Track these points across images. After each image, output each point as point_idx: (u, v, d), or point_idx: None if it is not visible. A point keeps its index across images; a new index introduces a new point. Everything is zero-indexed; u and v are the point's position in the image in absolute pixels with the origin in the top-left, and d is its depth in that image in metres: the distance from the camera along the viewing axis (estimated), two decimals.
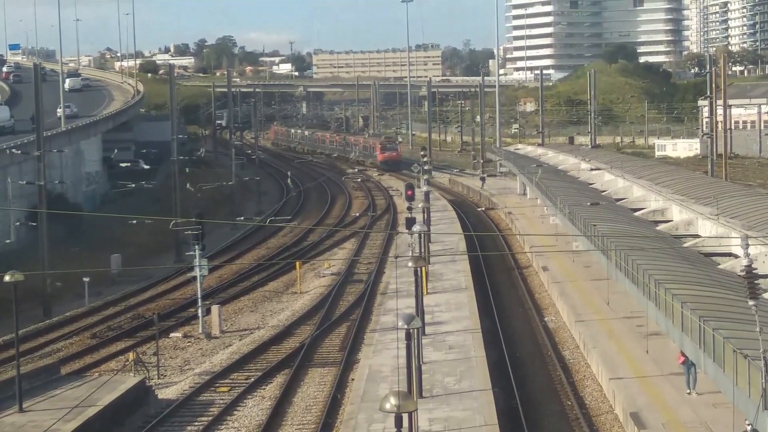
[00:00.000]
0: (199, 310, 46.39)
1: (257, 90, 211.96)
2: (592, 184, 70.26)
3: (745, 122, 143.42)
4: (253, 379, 37.58)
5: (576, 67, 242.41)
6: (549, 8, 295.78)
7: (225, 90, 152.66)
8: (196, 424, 33.02)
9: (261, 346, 42.58)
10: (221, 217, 75.22)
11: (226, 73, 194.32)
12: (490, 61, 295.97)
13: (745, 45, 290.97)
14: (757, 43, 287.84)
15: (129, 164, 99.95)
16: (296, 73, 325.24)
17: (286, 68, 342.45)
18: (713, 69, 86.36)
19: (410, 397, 19.28)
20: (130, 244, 65.90)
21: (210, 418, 33.31)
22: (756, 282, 24.44)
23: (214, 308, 47.25)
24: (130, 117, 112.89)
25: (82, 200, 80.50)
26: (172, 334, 45.83)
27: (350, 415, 30.77)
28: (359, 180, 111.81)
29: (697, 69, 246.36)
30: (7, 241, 58.18)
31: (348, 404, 32.59)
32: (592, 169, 74.43)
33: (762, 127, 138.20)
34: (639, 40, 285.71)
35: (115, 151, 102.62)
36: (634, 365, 34.76)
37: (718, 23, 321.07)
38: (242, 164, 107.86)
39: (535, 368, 38.43)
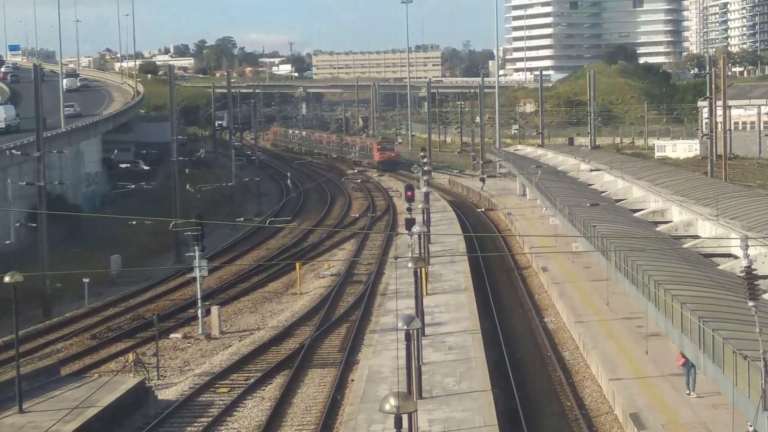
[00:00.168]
0: (199, 311, 46.39)
1: (257, 91, 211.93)
2: (591, 184, 70.28)
3: (744, 123, 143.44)
4: (252, 380, 37.58)
5: (576, 68, 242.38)
6: (549, 9, 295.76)
7: (225, 91, 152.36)
8: (196, 424, 33.01)
9: (261, 347, 42.58)
10: (221, 218, 75.25)
11: (225, 74, 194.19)
12: (490, 62, 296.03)
13: (744, 46, 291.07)
14: (756, 44, 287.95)
15: (129, 165, 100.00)
16: (296, 74, 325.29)
17: (285, 69, 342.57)
18: (713, 70, 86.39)
19: (410, 397, 19.28)
20: (130, 244, 65.90)
21: (210, 418, 33.30)
22: (755, 283, 24.45)
23: (214, 309, 47.26)
24: (129, 118, 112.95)
25: (81, 201, 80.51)
26: (171, 335, 45.83)
27: (350, 415, 30.77)
28: (359, 181, 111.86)
29: (696, 70, 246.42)
30: (7, 241, 58.20)
31: (348, 405, 32.60)
32: (591, 170, 74.46)
33: (761, 128, 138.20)
34: (639, 40, 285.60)
35: (115, 151, 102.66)
36: (633, 366, 34.76)
37: (717, 24, 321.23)
38: (242, 165, 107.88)
39: (534, 369, 38.44)
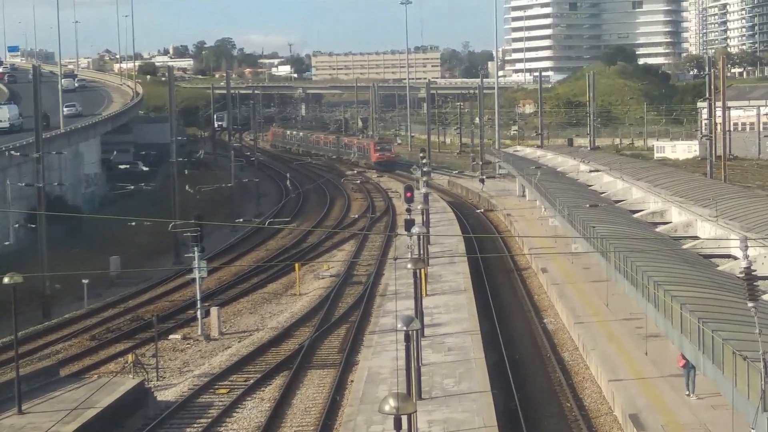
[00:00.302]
0: (198, 312, 46.37)
1: (256, 92, 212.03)
2: (591, 185, 70.28)
3: (744, 124, 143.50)
4: (252, 381, 37.56)
5: (575, 69, 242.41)
6: (548, 10, 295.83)
7: (224, 92, 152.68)
8: (196, 425, 33.00)
9: (260, 348, 42.56)
10: (220, 219, 75.23)
11: (225, 75, 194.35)
12: (489, 63, 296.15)
13: (744, 47, 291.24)
14: (755, 45, 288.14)
15: (128, 166, 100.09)
16: (295, 75, 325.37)
17: (285, 70, 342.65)
18: (712, 71, 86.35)
19: (409, 398, 19.28)
20: (130, 245, 65.88)
21: (209, 419, 33.29)
22: (755, 284, 24.44)
23: (213, 310, 47.23)
24: (129, 119, 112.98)
25: (81, 202, 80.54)
26: (171, 336, 45.81)
27: (349, 416, 30.76)
28: (358, 182, 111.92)
29: (696, 71, 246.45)
30: (6, 242, 58.22)
31: (347, 406, 32.59)
32: (591, 171, 74.46)
33: (761, 129, 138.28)
34: (638, 41, 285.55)
35: (114, 153, 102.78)
36: (633, 367, 34.75)
37: (717, 25, 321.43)
38: (241, 166, 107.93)
39: (534, 370, 38.43)
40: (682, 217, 49.81)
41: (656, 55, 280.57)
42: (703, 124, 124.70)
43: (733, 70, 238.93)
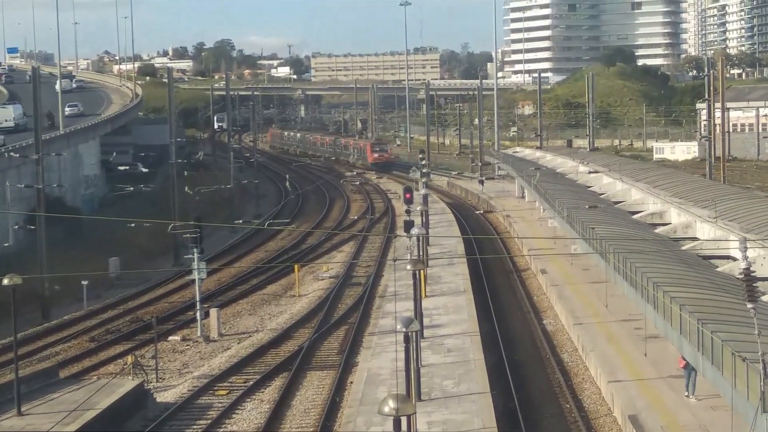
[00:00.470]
0: (198, 314, 46.36)
1: (255, 93, 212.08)
2: (590, 186, 70.29)
3: (743, 125, 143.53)
4: (251, 383, 37.56)
5: (574, 70, 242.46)
6: (547, 11, 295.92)
7: (223, 93, 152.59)
8: (195, 427, 33.01)
9: (259, 350, 42.56)
10: (220, 220, 75.22)
11: (224, 76, 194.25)
12: (489, 64, 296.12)
13: (743, 48, 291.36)
14: (755, 46, 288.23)
15: (127, 167, 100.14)
16: (294, 77, 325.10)
17: (284, 71, 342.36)
18: (711, 72, 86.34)
19: (409, 400, 19.26)
20: (129, 247, 65.89)
21: (208, 421, 33.29)
22: (754, 285, 24.44)
23: (213, 311, 47.23)
24: (128, 120, 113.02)
25: (80, 203, 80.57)
26: (170, 338, 45.81)
27: (349, 418, 30.77)
28: (357, 183, 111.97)
29: (695, 72, 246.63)
30: (6, 244, 58.20)
31: (347, 407, 32.59)
32: (590, 172, 74.47)
33: (760, 130, 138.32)
34: (637, 43, 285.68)
35: (114, 154, 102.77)
36: (632, 368, 34.77)
37: (716, 26, 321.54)
38: (240, 167, 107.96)
39: (533, 371, 38.43)
40: (682, 218, 49.83)
41: (655, 56, 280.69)
42: (702, 125, 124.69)
43: (732, 72, 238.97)
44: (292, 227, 78.22)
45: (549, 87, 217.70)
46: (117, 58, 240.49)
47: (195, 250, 46.65)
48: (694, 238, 45.79)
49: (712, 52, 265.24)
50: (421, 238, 47.37)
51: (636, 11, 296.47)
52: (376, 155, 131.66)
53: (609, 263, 40.55)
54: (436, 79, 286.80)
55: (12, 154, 63.52)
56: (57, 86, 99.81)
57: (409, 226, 56.76)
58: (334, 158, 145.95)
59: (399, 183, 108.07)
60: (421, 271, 38.92)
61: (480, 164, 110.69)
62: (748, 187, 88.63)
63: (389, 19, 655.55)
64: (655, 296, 31.85)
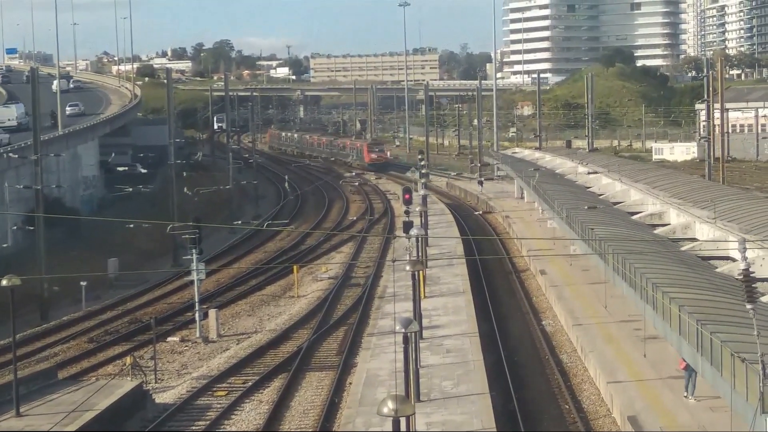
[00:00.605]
0: (197, 314, 46.33)
1: (255, 94, 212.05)
2: (589, 187, 70.30)
3: (742, 126, 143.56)
4: (250, 383, 37.54)
5: (573, 71, 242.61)
6: (546, 12, 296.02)
7: (222, 94, 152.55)
8: (194, 428, 32.98)
9: (258, 350, 42.54)
10: (219, 221, 75.20)
11: (223, 77, 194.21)
12: (488, 65, 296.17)
13: (742, 48, 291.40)
14: (754, 47, 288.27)
15: (126, 168, 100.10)
16: (293, 77, 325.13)
17: (283, 72, 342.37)
18: (710, 72, 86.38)
19: (408, 401, 19.24)
20: (128, 248, 65.87)
21: (207, 422, 33.27)
22: (753, 285, 24.44)
23: (212, 312, 47.20)
24: (127, 121, 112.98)
25: (79, 204, 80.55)
26: (169, 338, 45.78)
27: (348, 419, 30.75)
28: (356, 184, 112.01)
29: (694, 72, 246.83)
30: (4, 245, 58.13)
31: (346, 408, 32.57)
32: (589, 173, 74.48)
33: (759, 131, 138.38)
34: (636, 43, 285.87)
35: (113, 155, 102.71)
36: (631, 369, 34.74)
37: (715, 27, 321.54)
38: (240, 168, 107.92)
39: (532, 372, 38.41)
40: (681, 218, 49.82)
41: (654, 56, 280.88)
42: (702, 126, 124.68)
43: (731, 72, 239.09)
44: (291, 228, 78.21)
45: (548, 88, 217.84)
46: (116, 58, 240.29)
47: (194, 250, 46.63)
48: (694, 239, 45.79)
49: (712, 52, 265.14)
50: (420, 238, 47.38)
51: (635, 12, 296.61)
52: (372, 156, 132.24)
53: (608, 264, 40.54)
54: (435, 79, 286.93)
55: (11, 154, 63.48)
56: (54, 86, 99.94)
57: (408, 226, 56.77)
58: (332, 159, 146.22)
59: (398, 184, 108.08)
60: (420, 272, 38.90)
61: (479, 165, 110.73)
62: (748, 187, 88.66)
63: (388, 19, 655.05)
64: (654, 297, 31.84)
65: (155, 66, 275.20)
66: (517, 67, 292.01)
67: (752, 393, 22.48)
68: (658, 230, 48.71)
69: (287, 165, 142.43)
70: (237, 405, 35.14)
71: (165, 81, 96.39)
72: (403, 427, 18.63)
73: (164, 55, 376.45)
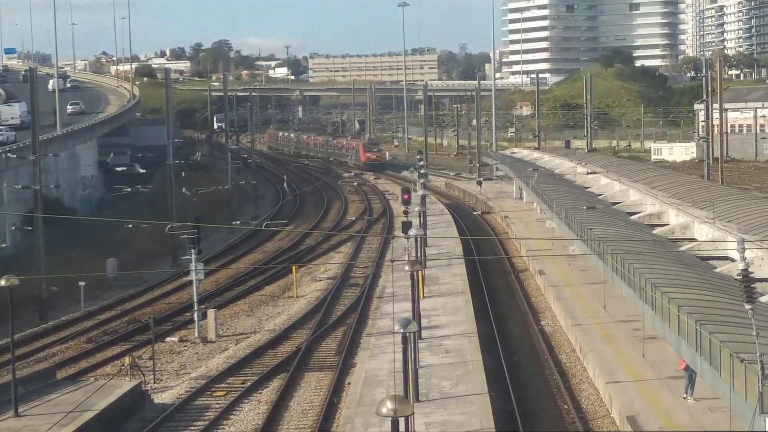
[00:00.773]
0: (195, 314, 46.31)
1: (253, 94, 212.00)
2: (588, 187, 70.30)
3: (741, 126, 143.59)
4: (249, 384, 37.52)
5: (572, 71, 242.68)
6: (545, 12, 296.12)
7: (221, 94, 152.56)
8: (193, 428, 32.97)
9: (257, 351, 42.52)
10: (218, 221, 75.17)
11: (222, 77, 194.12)
12: (487, 65, 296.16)
13: (741, 49, 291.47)
14: (752, 47, 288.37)
15: (125, 168, 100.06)
16: (292, 77, 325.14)
17: (282, 72, 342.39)
18: (709, 73, 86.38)
19: (407, 401, 19.24)
20: (127, 248, 65.84)
21: (206, 422, 33.25)
22: (752, 285, 24.43)
23: (210, 312, 47.17)
24: (126, 121, 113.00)
25: (78, 204, 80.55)
26: (168, 339, 45.75)
27: (347, 419, 30.73)
28: (355, 184, 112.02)
29: (693, 73, 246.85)
30: (3, 245, 58.10)
31: (344, 408, 32.56)
32: (588, 173, 74.49)
33: (758, 131, 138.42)
34: (635, 44, 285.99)
35: (111, 155, 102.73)
36: (630, 369, 34.74)
37: (714, 27, 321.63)
38: (238, 168, 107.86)
39: (531, 372, 38.40)
40: (680, 219, 49.82)
41: (653, 57, 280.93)
42: (700, 126, 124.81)
43: (730, 72, 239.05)
44: (289, 228, 78.18)
45: (547, 88, 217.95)
46: (114, 58, 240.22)
47: (193, 251, 46.60)
48: (692, 239, 45.80)
49: (710, 52, 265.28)
50: (419, 238, 47.39)
51: (634, 12, 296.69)
52: (368, 155, 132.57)
53: (607, 264, 40.54)
54: (434, 80, 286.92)
55: (9, 154, 63.46)
56: (50, 85, 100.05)
57: (407, 226, 56.75)
58: (330, 159, 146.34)
59: (397, 184, 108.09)
60: (419, 272, 38.89)
61: (478, 165, 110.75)
62: (746, 188, 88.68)
63: (387, 20, 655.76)
64: (653, 297, 31.84)
65: (154, 66, 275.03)
66: (516, 68, 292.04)
67: (751, 393, 22.48)
68: (657, 230, 48.71)
69: (286, 165, 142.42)
70: (236, 405, 35.12)
71: (164, 81, 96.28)
72: (402, 427, 18.62)
73: (163, 55, 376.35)
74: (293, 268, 56.90)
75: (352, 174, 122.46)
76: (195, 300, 46.63)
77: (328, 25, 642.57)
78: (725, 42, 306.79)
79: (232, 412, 34.51)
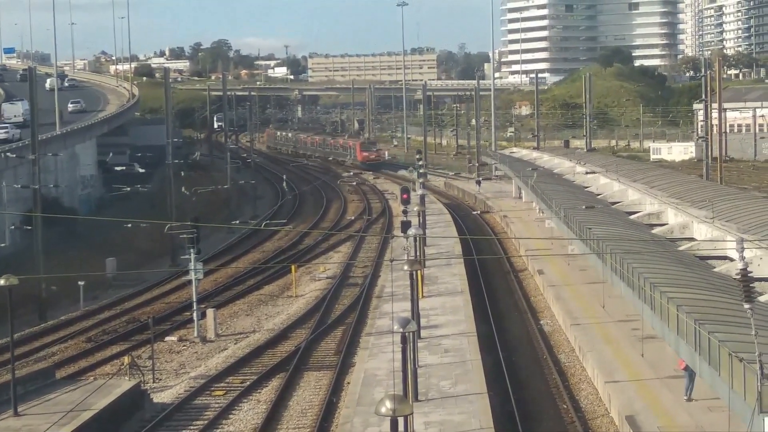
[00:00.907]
0: (195, 314, 46.31)
1: (253, 93, 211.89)
2: (587, 187, 70.31)
3: (740, 125, 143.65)
4: (248, 383, 37.54)
5: (571, 71, 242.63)
6: (544, 12, 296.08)
7: (220, 93, 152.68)
8: (192, 427, 32.98)
9: (256, 350, 42.53)
10: (217, 221, 75.16)
11: (221, 76, 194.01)
12: (486, 65, 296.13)
13: (740, 48, 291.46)
14: (751, 47, 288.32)
15: (124, 168, 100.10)
16: (291, 77, 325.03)
17: (281, 72, 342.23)
18: (708, 72, 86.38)
19: (406, 400, 19.25)
20: (126, 247, 65.84)
21: (205, 421, 33.26)
22: (751, 285, 24.43)
23: (210, 312, 47.19)
24: (125, 121, 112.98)
25: (77, 204, 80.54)
26: (167, 338, 45.75)
27: (346, 418, 30.74)
28: (354, 183, 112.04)
29: (692, 72, 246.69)
30: (2, 244, 58.11)
31: (344, 408, 32.57)
32: (587, 173, 74.49)
33: (757, 131, 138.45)
34: (634, 43, 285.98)
35: (111, 154, 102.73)
36: (629, 369, 34.76)
37: (713, 27, 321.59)
38: (238, 167, 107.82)
39: (530, 372, 38.42)
40: (679, 218, 49.84)
41: (652, 56, 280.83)
42: (699, 126, 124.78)
43: (729, 72, 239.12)
44: (289, 228, 78.19)
45: (546, 87, 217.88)
46: (114, 58, 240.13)
47: (192, 250, 46.60)
48: (691, 239, 45.81)
49: (710, 52, 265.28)
50: (418, 238, 47.38)
51: (633, 12, 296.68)
52: (365, 154, 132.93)
53: (606, 264, 40.55)
54: (433, 79, 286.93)
55: (8, 154, 63.46)
56: (47, 84, 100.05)
57: (406, 226, 56.74)
58: (329, 158, 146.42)
59: (396, 183, 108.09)
60: (418, 272, 38.90)
61: (477, 165, 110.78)
62: (745, 187, 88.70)
63: (386, 19, 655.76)
64: (652, 297, 31.85)
65: (153, 66, 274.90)
66: (515, 67, 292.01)
67: (750, 393, 22.49)
68: (656, 230, 48.72)
69: (285, 165, 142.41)
70: (235, 404, 35.14)
71: (163, 81, 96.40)
72: (401, 426, 18.64)
73: (162, 54, 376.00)
74: (292, 267, 56.90)
75: (351, 173, 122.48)
76: (194, 299, 46.64)
77: (328, 24, 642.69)
78: (724, 42, 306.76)
79: (232, 411, 34.52)
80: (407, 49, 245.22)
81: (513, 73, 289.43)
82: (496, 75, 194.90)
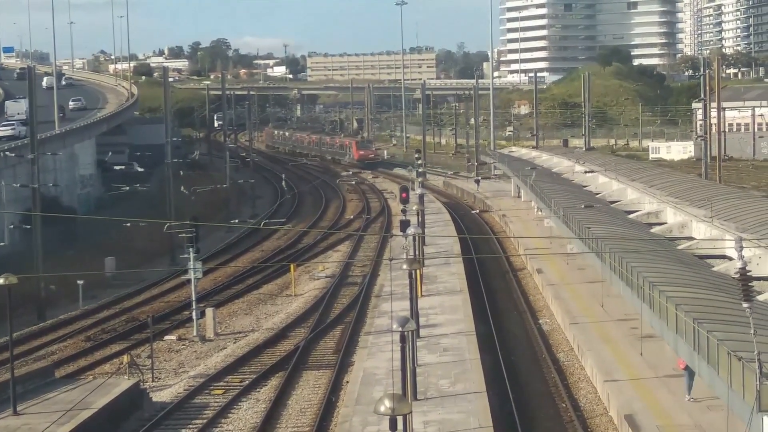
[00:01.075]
0: (194, 313, 46.32)
1: (251, 93, 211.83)
2: (586, 186, 70.33)
3: (739, 125, 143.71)
4: (247, 382, 37.55)
5: (570, 70, 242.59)
6: (543, 11, 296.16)
7: (219, 93, 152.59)
8: (191, 426, 32.99)
9: (255, 349, 42.55)
10: (216, 220, 75.15)
11: (220, 75, 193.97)
12: (485, 64, 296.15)
13: (738, 47, 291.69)
14: (750, 46, 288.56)
15: (123, 167, 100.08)
16: (290, 76, 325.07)
17: (280, 71, 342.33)
18: (707, 71, 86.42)
19: (405, 399, 19.28)
20: (125, 247, 65.79)
21: (204, 420, 33.27)
22: (750, 284, 24.45)
23: (209, 311, 47.20)
24: (124, 120, 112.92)
25: (76, 203, 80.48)
26: (166, 337, 45.77)
27: (345, 417, 30.76)
28: (353, 183, 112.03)
29: (691, 71, 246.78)
30: (1, 244, 58.07)
31: (342, 407, 32.59)
32: (586, 172, 74.51)
33: (756, 130, 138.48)
34: (633, 42, 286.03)
35: (110, 154, 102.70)
36: (628, 368, 34.78)
37: (711, 26, 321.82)
38: (237, 167, 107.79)
39: (529, 371, 38.44)
40: (677, 217, 49.87)
41: (651, 56, 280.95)
42: (698, 125, 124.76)
43: (728, 71, 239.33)
44: (287, 227, 78.19)
45: (545, 87, 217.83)
46: (113, 57, 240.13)
47: (191, 249, 46.61)
48: (690, 238, 45.85)
49: (708, 51, 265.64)
50: (417, 237, 47.37)
51: (632, 11, 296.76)
52: (362, 153, 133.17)
53: (605, 263, 40.58)
54: (432, 78, 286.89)
55: (7, 153, 63.43)
56: (44, 83, 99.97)
57: (405, 225, 56.74)
58: (327, 157, 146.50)
59: (395, 183, 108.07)
60: (417, 271, 38.92)
61: (476, 164, 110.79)
62: (744, 186, 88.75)
63: (385, 19, 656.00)
64: (651, 296, 31.87)
65: (152, 65, 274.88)
66: (514, 66, 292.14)
67: (749, 392, 22.51)
68: (655, 229, 48.76)
69: (284, 164, 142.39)
70: (234, 403, 35.15)
71: (162, 80, 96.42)
72: (400, 425, 18.67)
73: (161, 54, 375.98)
74: (291, 266, 56.92)
75: (350, 173, 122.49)
76: (193, 299, 46.63)
77: (327, 23, 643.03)
78: (723, 41, 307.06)
79: (231, 410, 34.53)
80: (406, 49, 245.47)
81: (512, 72, 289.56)
82: (495, 74, 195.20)
